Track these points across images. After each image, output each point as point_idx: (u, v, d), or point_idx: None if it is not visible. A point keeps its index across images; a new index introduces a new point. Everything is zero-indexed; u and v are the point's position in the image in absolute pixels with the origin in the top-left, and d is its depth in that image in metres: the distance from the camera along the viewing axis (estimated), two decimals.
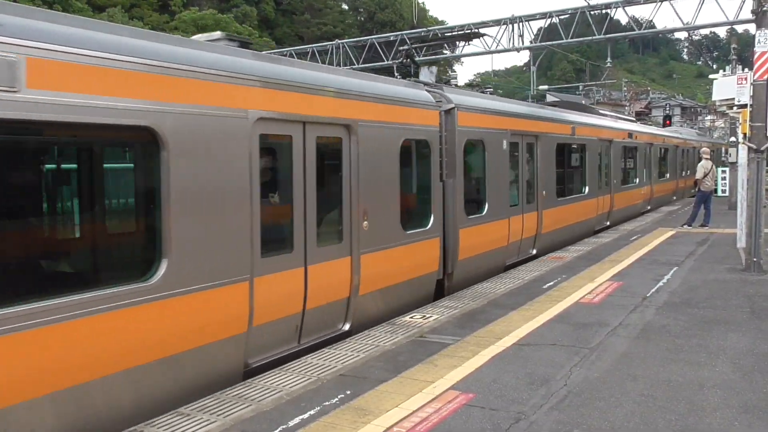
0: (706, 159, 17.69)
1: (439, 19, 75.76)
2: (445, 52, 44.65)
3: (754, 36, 10.65)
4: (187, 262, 5.39)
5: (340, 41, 33.98)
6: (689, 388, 5.38)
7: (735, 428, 4.60)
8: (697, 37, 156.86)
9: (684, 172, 30.40)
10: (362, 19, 71.18)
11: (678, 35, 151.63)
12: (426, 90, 9.54)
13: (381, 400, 5.21)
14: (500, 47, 28.41)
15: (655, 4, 24.78)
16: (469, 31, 28.09)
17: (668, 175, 27.23)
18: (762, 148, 10.47)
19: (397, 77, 10.26)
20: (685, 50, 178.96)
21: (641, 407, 4.99)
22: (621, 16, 47.64)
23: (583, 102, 49.06)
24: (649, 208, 23.32)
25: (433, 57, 37.30)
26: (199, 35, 7.28)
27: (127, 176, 5.74)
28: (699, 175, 17.28)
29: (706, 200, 17.40)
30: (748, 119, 10.88)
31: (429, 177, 9.08)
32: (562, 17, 28.81)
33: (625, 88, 71.04)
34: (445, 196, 9.45)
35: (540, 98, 57.85)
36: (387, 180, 8.03)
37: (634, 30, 28.60)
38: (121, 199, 5.83)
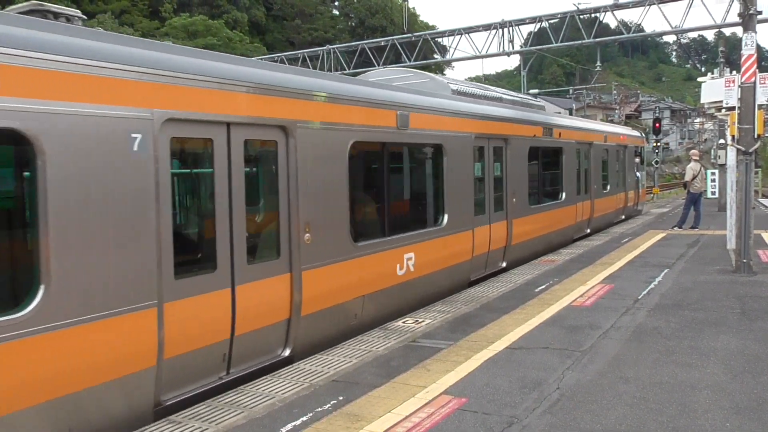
0: (695, 161, 17.80)
1: (430, 24, 75.91)
2: (436, 56, 44.81)
3: (741, 39, 10.74)
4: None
5: (330, 47, 34.01)
6: (681, 390, 5.40)
7: (726, 429, 4.62)
8: (685, 41, 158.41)
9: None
10: (353, 24, 71.24)
11: (666, 38, 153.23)
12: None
13: (374, 406, 5.20)
14: (491, 52, 28.54)
15: (643, 7, 24.98)
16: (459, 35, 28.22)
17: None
18: (750, 150, 10.55)
19: None
20: (674, 53, 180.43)
21: (633, 409, 5.00)
22: (610, 19, 48.17)
23: (573, 106, 49.25)
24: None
25: (425, 62, 37.42)
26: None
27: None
28: (688, 177, 17.38)
29: (696, 202, 17.50)
30: (736, 121, 10.96)
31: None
32: (551, 21, 28.97)
33: (615, 92, 71.51)
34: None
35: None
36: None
37: (623, 33, 28.85)
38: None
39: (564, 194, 15.24)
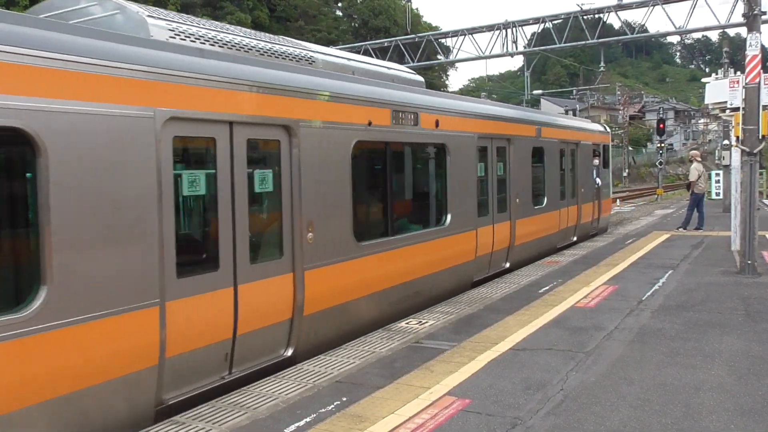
0: (698, 162, 17.86)
1: (433, 25, 75.93)
2: (439, 57, 44.78)
3: (745, 39, 10.72)
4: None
5: (334, 48, 34.02)
6: (685, 392, 5.39)
7: (731, 431, 4.60)
8: (689, 41, 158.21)
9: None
10: (356, 25, 71.30)
11: (670, 39, 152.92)
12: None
13: (377, 407, 5.20)
14: (494, 52, 28.55)
15: (647, 8, 24.96)
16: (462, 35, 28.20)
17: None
18: (755, 151, 10.52)
19: None
20: (678, 54, 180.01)
21: (637, 411, 4.99)
22: (614, 20, 48.16)
23: (577, 106, 49.10)
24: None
25: (428, 62, 37.42)
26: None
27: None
28: (693, 177, 17.36)
29: (699, 203, 17.48)
30: (740, 122, 10.93)
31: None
32: (555, 22, 28.99)
33: (618, 92, 71.42)
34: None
35: (534, 103, 58.05)
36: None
37: (627, 34, 28.82)
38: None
39: (449, 217, 9.89)
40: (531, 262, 12.89)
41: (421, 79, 10.95)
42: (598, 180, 17.94)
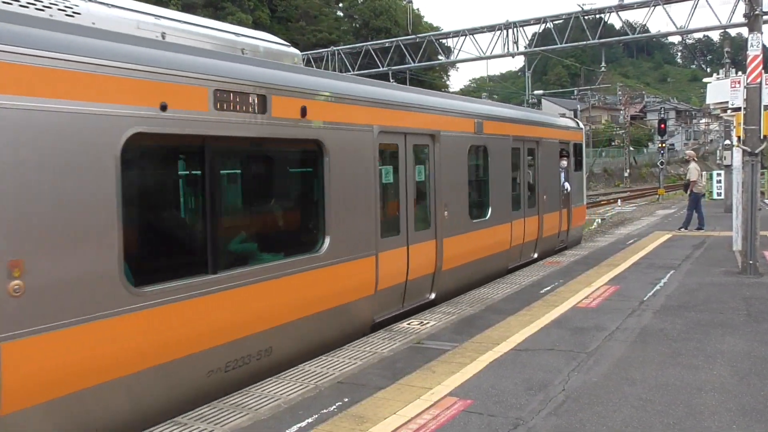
0: (695, 161, 17.97)
1: (434, 25, 75.95)
2: (440, 57, 44.80)
3: (746, 40, 10.72)
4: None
5: (335, 48, 34.09)
6: (687, 392, 5.38)
7: (733, 431, 4.61)
8: (690, 41, 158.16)
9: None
10: (357, 25, 71.32)
11: (671, 39, 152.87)
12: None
13: (379, 408, 5.20)
14: (495, 53, 28.56)
15: (648, 8, 24.97)
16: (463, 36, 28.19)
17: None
18: (756, 151, 10.52)
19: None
20: (679, 54, 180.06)
21: (639, 411, 4.99)
22: (615, 20, 48.08)
23: (578, 107, 49.02)
24: None
25: (429, 63, 37.44)
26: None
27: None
28: (694, 176, 17.38)
29: (698, 202, 17.49)
30: (741, 122, 10.93)
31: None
32: (556, 22, 29.01)
33: (619, 93, 71.42)
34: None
35: (535, 104, 58.03)
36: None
37: (628, 34, 28.83)
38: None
39: (328, 240, 7.08)
40: (470, 288, 10.24)
41: (294, 51, 8.14)
42: (567, 185, 15.00)
